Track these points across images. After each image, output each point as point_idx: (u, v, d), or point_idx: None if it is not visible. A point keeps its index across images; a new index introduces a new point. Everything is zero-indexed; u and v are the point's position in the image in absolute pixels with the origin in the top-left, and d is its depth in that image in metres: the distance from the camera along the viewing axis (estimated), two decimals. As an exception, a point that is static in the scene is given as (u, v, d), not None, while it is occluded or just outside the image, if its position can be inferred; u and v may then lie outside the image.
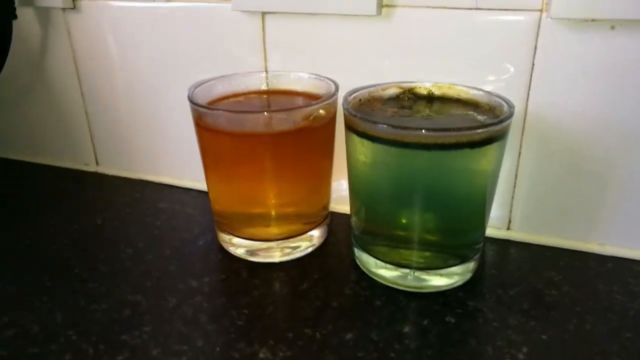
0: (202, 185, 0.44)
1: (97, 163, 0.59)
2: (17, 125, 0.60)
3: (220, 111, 0.36)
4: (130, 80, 0.52)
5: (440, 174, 0.34)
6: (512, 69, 0.39)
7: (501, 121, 0.33)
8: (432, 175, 0.34)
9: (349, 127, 0.36)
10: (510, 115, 0.34)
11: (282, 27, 0.44)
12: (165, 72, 0.50)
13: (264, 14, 0.44)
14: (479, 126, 0.32)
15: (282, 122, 0.36)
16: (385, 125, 0.33)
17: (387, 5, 0.41)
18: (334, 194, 0.48)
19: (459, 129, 0.32)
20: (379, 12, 0.40)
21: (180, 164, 0.53)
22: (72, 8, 0.50)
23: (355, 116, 0.34)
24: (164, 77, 0.50)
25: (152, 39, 0.49)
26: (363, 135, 0.34)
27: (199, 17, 0.47)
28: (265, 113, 0.36)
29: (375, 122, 0.33)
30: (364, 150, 0.35)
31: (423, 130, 0.32)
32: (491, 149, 0.34)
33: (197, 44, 0.48)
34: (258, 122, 0.36)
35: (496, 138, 0.33)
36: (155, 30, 0.49)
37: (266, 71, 0.46)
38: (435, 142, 0.32)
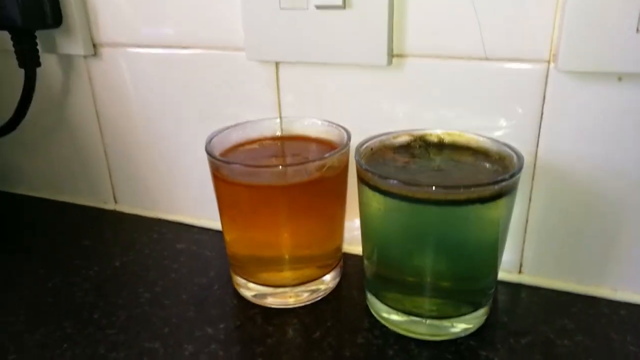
0: (218, 225, 0.45)
1: (115, 201, 0.60)
2: (40, 164, 0.62)
3: (237, 165, 0.37)
4: (149, 122, 0.54)
5: (451, 227, 0.35)
6: (521, 117, 0.40)
7: (511, 176, 0.34)
8: (443, 228, 0.35)
9: (361, 180, 0.37)
10: (520, 168, 0.35)
11: (296, 75, 0.45)
12: (182, 115, 0.52)
13: (277, 63, 0.46)
14: (489, 183, 0.33)
15: (296, 174, 0.37)
16: (396, 181, 0.33)
17: (397, 55, 0.42)
18: (347, 234, 0.48)
19: (468, 187, 0.33)
20: (389, 62, 0.41)
21: (197, 203, 0.55)
22: (93, 55, 0.52)
23: (367, 171, 0.35)
24: (181, 119, 0.52)
25: (170, 83, 0.51)
26: (375, 188, 0.35)
27: (214, 63, 0.48)
28: (281, 167, 0.37)
29: (386, 178, 0.34)
30: (376, 200, 0.36)
31: (433, 187, 0.32)
32: (501, 202, 0.34)
33: (213, 88, 0.49)
34: (273, 174, 0.37)
35: (506, 192, 0.34)
36: (172, 75, 0.50)
37: (280, 117, 0.47)
38: (445, 199, 0.33)
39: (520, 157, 0.36)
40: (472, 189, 0.33)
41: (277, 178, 0.37)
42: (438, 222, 0.35)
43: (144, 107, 0.53)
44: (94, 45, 0.52)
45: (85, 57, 0.53)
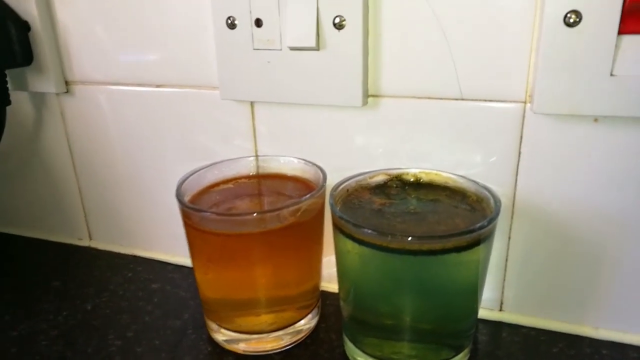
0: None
1: (90, 238, 0.59)
2: (13, 200, 0.60)
3: (208, 213, 0.36)
4: (123, 158, 0.52)
5: (428, 274, 0.34)
6: (499, 156, 0.40)
7: (489, 222, 0.33)
8: (419, 275, 0.34)
9: (336, 226, 0.36)
10: (497, 214, 0.34)
11: (271, 113, 0.45)
12: (157, 151, 0.50)
13: (252, 102, 0.45)
14: (464, 232, 0.32)
15: (270, 221, 0.36)
16: (370, 231, 0.33)
17: (372, 96, 0.41)
18: (325, 271, 0.47)
19: (444, 237, 0.32)
20: (364, 103, 0.41)
21: (173, 240, 0.53)
22: (65, 92, 0.51)
23: (341, 218, 0.34)
24: (156, 155, 0.51)
25: (144, 120, 0.50)
26: (349, 236, 0.34)
27: (190, 101, 0.47)
28: (255, 214, 0.36)
29: (360, 227, 0.33)
30: (351, 247, 0.35)
31: (409, 238, 0.32)
32: (479, 249, 0.34)
33: (189, 126, 0.48)
34: (246, 222, 0.36)
35: (484, 239, 0.33)
36: (146, 113, 0.49)
37: (256, 155, 0.46)
38: (420, 249, 0.32)
39: (497, 202, 0.35)
40: (448, 239, 0.32)
41: (250, 226, 0.36)
42: (414, 270, 0.34)
43: (118, 144, 0.52)
44: (67, 83, 0.51)
45: (57, 94, 0.52)
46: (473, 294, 0.37)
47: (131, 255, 0.56)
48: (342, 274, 0.39)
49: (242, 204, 0.41)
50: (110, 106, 0.51)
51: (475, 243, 0.33)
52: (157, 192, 0.52)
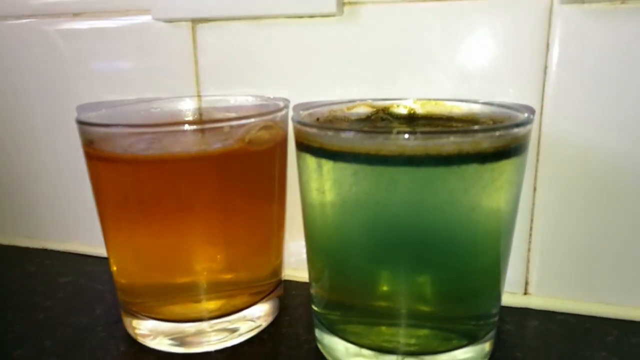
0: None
1: (-10, 230, 0.46)
2: None
3: (119, 127, 0.25)
4: (26, 125, 0.41)
5: (437, 206, 0.23)
6: (517, 75, 0.30)
7: (523, 124, 0.23)
8: (424, 209, 0.23)
9: (301, 146, 0.25)
10: (530, 121, 0.24)
11: (218, 37, 0.35)
12: (70, 105, 0.39)
13: (194, 22, 0.35)
14: (492, 128, 0.22)
15: (209, 140, 0.25)
16: (352, 133, 0.22)
17: (350, 3, 0.31)
18: (290, 257, 0.36)
19: (461, 133, 0.21)
20: (340, 11, 0.31)
21: (94, 229, 0.41)
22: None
23: (308, 126, 0.24)
24: (69, 111, 0.39)
25: (57, 62, 0.39)
26: (320, 152, 0.23)
27: (115, 33, 0.37)
28: (185, 126, 0.25)
29: (337, 130, 0.22)
30: (324, 178, 0.24)
31: (406, 135, 0.21)
32: (509, 164, 0.23)
33: (114, 66, 0.37)
34: (173, 139, 0.25)
35: (516, 149, 0.23)
36: (61, 51, 0.38)
37: (198, 95, 0.36)
38: (427, 154, 0.21)
39: (529, 110, 0.25)
40: (468, 136, 0.21)
41: (179, 144, 0.25)
42: (417, 200, 0.23)
43: (16, 97, 0.41)
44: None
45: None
46: (496, 250, 0.26)
47: (41, 249, 0.43)
48: (312, 233, 0.27)
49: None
50: (12, 45, 0.39)
51: (504, 154, 0.22)
52: (73, 166, 0.40)
